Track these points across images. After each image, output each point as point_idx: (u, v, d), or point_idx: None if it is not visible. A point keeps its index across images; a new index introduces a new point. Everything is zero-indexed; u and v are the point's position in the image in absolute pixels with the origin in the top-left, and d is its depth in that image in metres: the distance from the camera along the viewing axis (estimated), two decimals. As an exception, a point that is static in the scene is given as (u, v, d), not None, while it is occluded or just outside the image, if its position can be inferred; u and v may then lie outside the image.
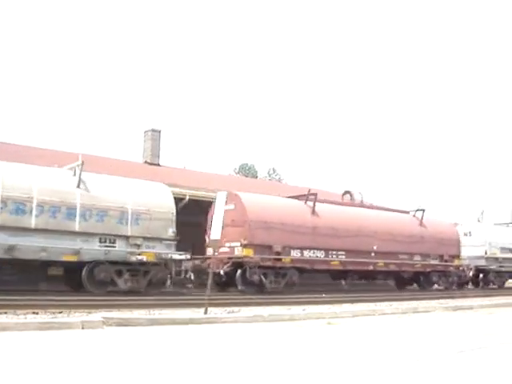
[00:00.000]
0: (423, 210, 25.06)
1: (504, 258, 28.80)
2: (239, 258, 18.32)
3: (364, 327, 10.89)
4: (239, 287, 18.27)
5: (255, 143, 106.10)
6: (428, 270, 24.66)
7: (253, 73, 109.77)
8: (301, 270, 19.84)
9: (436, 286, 26.61)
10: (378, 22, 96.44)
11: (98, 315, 10.01)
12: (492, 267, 28.30)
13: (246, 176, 54.20)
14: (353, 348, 8.00)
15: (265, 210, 19.34)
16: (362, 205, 24.51)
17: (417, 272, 24.53)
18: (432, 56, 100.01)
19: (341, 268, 21.10)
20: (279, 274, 19.05)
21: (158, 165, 30.46)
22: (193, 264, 18.63)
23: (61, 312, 10.50)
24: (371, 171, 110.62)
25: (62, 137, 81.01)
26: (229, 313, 11.75)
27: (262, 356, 7.00)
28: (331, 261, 20.44)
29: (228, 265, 18.22)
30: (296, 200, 21.24)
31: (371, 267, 22.11)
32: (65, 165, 17.09)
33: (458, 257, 26.20)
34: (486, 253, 28.07)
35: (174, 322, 10.26)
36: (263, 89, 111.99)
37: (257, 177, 64.99)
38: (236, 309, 12.46)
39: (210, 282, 11.87)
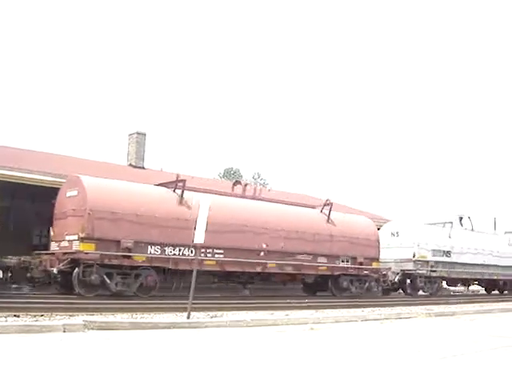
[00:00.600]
0: (330, 205, 21.82)
1: (437, 262, 25.75)
2: (73, 253, 15.19)
3: (346, 333, 10.92)
4: (76, 290, 14.91)
5: (241, 148, 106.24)
6: (337, 273, 21.29)
7: (239, 77, 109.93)
8: (164, 271, 16.76)
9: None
10: (364, 29, 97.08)
11: (79, 318, 9.94)
12: (421, 272, 25.02)
13: (231, 181, 53.97)
14: (335, 354, 8.01)
15: (113, 197, 16.06)
16: (254, 197, 20.70)
17: (323, 275, 21.22)
18: (413, 67, 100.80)
19: (218, 269, 17.81)
20: (129, 275, 15.82)
21: (143, 168, 30.34)
22: (18, 261, 15.99)
23: (42, 315, 10.40)
24: (357, 176, 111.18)
25: (47, 139, 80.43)
26: (212, 317, 11.71)
27: (243, 362, 6.98)
28: (205, 260, 16.84)
29: (64, 262, 14.97)
30: (164, 187, 18.03)
31: (259, 269, 18.87)
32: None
33: (376, 259, 23.05)
34: (414, 255, 24.89)
35: (156, 326, 10.20)
36: (249, 93, 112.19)
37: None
38: (219, 313, 12.42)
39: (193, 284, 11.80)
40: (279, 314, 13.03)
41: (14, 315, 10.10)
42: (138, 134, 30.89)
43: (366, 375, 6.23)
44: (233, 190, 21.18)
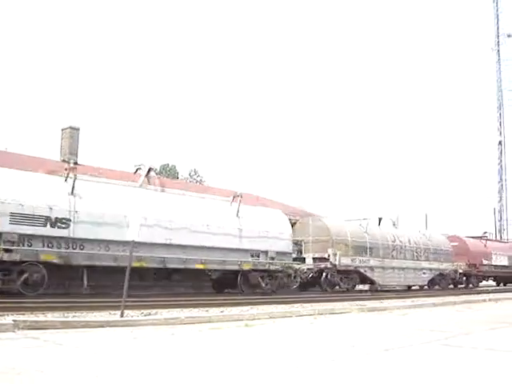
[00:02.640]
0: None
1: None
2: None
3: (281, 329, 11.03)
4: None
5: (177, 143, 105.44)
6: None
7: (175, 71, 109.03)
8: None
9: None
10: (340, 30, 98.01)
11: (9, 318, 9.68)
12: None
13: (167, 177, 53.70)
14: (268, 350, 8.09)
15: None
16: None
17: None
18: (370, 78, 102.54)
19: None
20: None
21: (76, 163, 29.69)
22: None
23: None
24: (296, 174, 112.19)
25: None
26: (146, 315, 11.62)
27: (174, 359, 6.98)
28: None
29: None
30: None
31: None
32: None
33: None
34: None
35: (88, 325, 10.04)
36: (186, 88, 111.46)
37: (178, 177, 64.59)
38: (154, 311, 12.34)
39: (126, 282, 11.68)
40: (214, 311, 13.08)
41: None
42: (71, 128, 30.32)
43: (297, 370, 6.33)
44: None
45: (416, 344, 8.84)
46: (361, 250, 27.20)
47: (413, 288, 32.77)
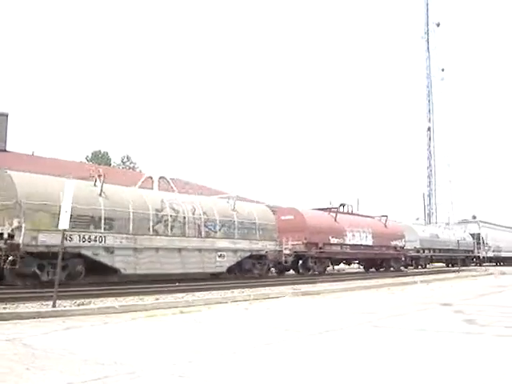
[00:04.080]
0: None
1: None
2: None
3: (216, 315, 11.08)
4: None
5: (109, 129, 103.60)
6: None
7: (104, 56, 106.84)
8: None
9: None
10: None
11: None
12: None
13: (99, 164, 52.67)
14: (203, 336, 8.14)
15: None
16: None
17: None
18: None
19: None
20: None
21: (5, 150, 28.83)
22: None
23: None
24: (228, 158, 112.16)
25: None
26: (79, 305, 11.43)
27: (106, 348, 6.93)
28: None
29: None
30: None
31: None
32: None
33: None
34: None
35: (19, 316, 9.82)
36: (116, 74, 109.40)
37: (110, 164, 63.54)
38: (87, 301, 12.14)
39: (58, 272, 11.44)
40: (149, 299, 12.99)
41: None
42: (-1, 114, 29.31)
43: (232, 356, 6.40)
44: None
45: (348, 327, 9.07)
46: (89, 222, 17.23)
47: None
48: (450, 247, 43.95)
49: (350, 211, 34.12)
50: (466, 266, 44.19)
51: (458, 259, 41.68)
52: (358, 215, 35.42)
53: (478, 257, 50.09)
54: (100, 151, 68.70)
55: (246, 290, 16.22)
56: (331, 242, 28.61)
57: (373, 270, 34.21)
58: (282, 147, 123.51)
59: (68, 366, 5.64)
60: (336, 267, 33.53)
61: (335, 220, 29.72)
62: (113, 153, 71.80)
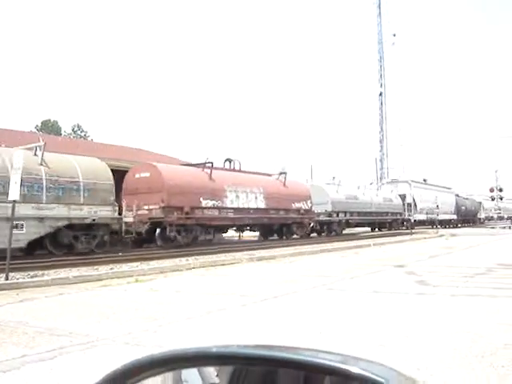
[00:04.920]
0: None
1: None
2: None
3: (172, 282, 11.15)
4: None
5: (58, 97, 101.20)
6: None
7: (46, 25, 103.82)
8: None
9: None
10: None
11: None
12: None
13: (49, 133, 51.55)
14: (158, 302, 8.20)
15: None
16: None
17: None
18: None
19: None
20: None
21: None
22: None
23: None
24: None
25: None
26: (32, 277, 11.32)
27: (59, 319, 6.94)
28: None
29: None
30: None
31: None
32: None
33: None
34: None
35: (-29, 290, 9.68)
36: (64, 41, 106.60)
37: (61, 134, 62.25)
38: (40, 272, 12.03)
39: (9, 244, 11.26)
40: (104, 269, 12.95)
41: None
42: None
43: (187, 322, 6.49)
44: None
45: (303, 290, 9.25)
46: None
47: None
48: (373, 210, 38.25)
49: (238, 168, 27.46)
50: (395, 230, 39.45)
51: (386, 223, 39.11)
52: (246, 172, 27.63)
53: (409, 220, 41.94)
54: (50, 120, 67.16)
55: (201, 257, 16.30)
56: (203, 205, 22.45)
57: (275, 237, 28.85)
58: (238, 114, 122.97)
59: (23, 339, 5.64)
60: (224, 235, 28.98)
61: (210, 178, 23.25)
62: (63, 121, 70.34)
